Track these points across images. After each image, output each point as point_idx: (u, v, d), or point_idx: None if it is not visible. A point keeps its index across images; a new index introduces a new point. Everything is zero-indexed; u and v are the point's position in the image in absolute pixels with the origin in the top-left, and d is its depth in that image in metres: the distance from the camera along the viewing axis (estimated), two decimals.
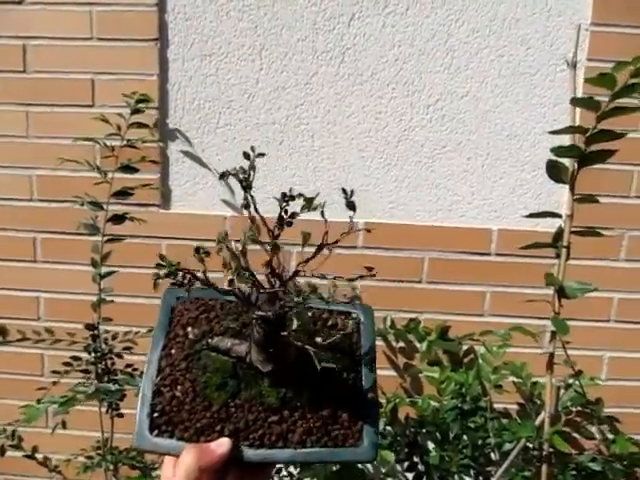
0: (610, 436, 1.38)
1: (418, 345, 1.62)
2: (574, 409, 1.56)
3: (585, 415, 1.50)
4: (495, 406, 1.51)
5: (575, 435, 1.69)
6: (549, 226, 1.59)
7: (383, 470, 1.63)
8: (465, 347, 1.59)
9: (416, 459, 1.52)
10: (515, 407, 1.64)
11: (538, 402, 1.54)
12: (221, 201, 1.59)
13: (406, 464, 1.52)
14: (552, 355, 1.15)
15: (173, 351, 0.64)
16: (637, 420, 1.65)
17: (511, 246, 1.59)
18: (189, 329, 0.66)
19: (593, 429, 1.67)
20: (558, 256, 1.11)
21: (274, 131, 1.55)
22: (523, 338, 1.63)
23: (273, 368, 0.60)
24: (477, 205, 1.59)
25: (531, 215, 1.10)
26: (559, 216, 1.09)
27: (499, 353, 1.54)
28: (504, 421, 1.44)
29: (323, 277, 0.61)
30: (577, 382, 1.14)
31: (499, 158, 1.57)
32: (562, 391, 1.16)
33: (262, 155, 0.62)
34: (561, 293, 1.09)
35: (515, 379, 1.60)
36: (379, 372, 1.61)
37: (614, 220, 1.59)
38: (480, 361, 1.57)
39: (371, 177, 1.57)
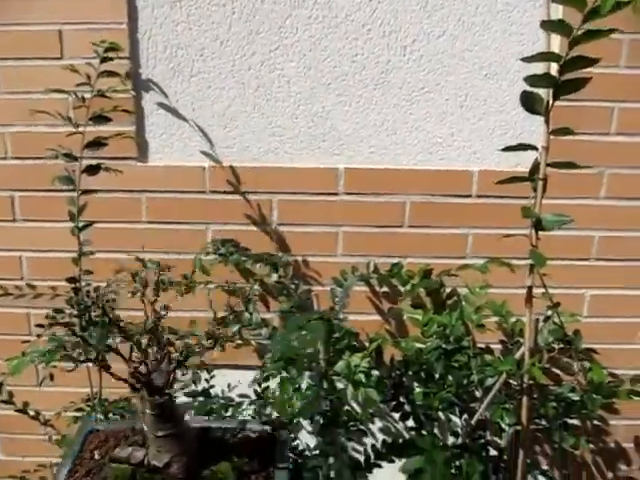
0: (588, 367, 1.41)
1: (402, 289, 1.63)
2: (555, 346, 1.59)
3: (564, 351, 1.52)
4: (478, 345, 1.53)
5: (555, 370, 1.73)
6: (529, 166, 1.60)
7: (370, 411, 1.67)
8: (448, 289, 1.60)
9: (402, 399, 1.55)
10: (498, 346, 1.67)
11: (519, 339, 1.56)
12: (200, 151, 1.57)
13: (392, 404, 1.55)
14: (530, 289, 1.16)
15: (78, 472, 0.71)
16: (617, 355, 1.69)
17: (492, 187, 1.59)
18: (96, 451, 0.75)
19: (572, 364, 1.71)
20: (535, 189, 1.11)
21: (249, 77, 1.52)
22: (504, 278, 1.64)
23: (170, 460, 0.63)
24: (457, 147, 1.58)
25: (507, 148, 1.09)
26: (535, 148, 1.09)
27: (481, 293, 1.56)
28: (487, 357, 1.46)
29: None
30: (555, 315, 1.15)
31: (478, 98, 1.55)
32: (541, 324, 1.18)
33: None
34: (538, 226, 1.10)
35: (496, 318, 1.63)
36: (363, 317, 1.62)
37: (594, 158, 1.59)
38: (463, 302, 1.59)
39: (350, 122, 1.55)
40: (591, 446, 1.84)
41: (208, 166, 1.57)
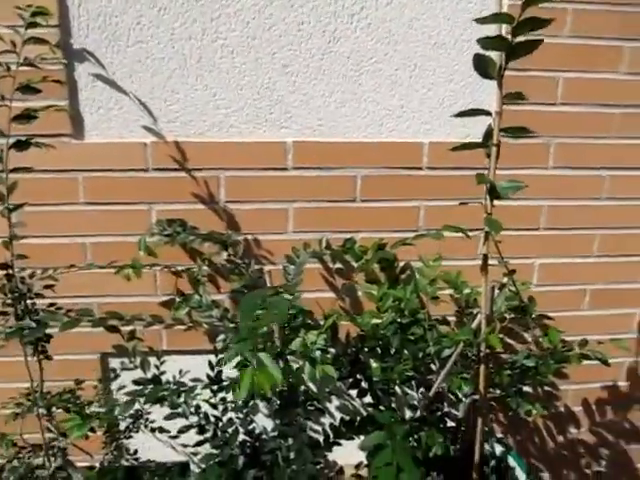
0: (541, 335, 1.43)
1: (355, 265, 1.61)
2: (508, 316, 1.61)
3: (518, 320, 1.54)
4: (433, 317, 1.53)
5: (509, 340, 1.75)
6: (480, 137, 1.60)
7: (327, 389, 1.64)
8: (401, 264, 1.59)
9: (359, 376, 1.53)
10: (453, 319, 1.67)
11: (472, 311, 1.57)
12: (140, 127, 1.49)
13: (349, 381, 1.52)
14: (486, 257, 1.15)
15: None
16: (565, 322, 1.72)
17: (443, 159, 1.58)
18: None
19: (526, 334, 1.74)
20: (488, 156, 1.10)
21: (191, 47, 1.44)
22: (457, 250, 1.65)
23: None
24: (407, 118, 1.55)
25: (460, 114, 1.07)
26: (488, 113, 1.07)
27: (434, 266, 1.55)
28: (442, 328, 1.46)
29: None
30: (511, 282, 1.15)
31: (427, 69, 1.53)
32: (497, 292, 1.17)
33: None
34: (492, 193, 1.08)
35: (451, 290, 1.63)
36: (317, 294, 1.59)
37: (541, 127, 1.60)
38: (417, 275, 1.58)
39: (297, 93, 1.50)
40: (544, 409, 1.88)
41: (150, 142, 1.48)
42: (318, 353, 1.22)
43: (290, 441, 1.21)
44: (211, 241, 1.37)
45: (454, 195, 1.59)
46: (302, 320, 1.36)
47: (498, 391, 1.55)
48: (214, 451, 1.32)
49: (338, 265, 1.63)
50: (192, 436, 1.39)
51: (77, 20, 1.41)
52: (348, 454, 1.63)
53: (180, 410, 1.32)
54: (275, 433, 1.29)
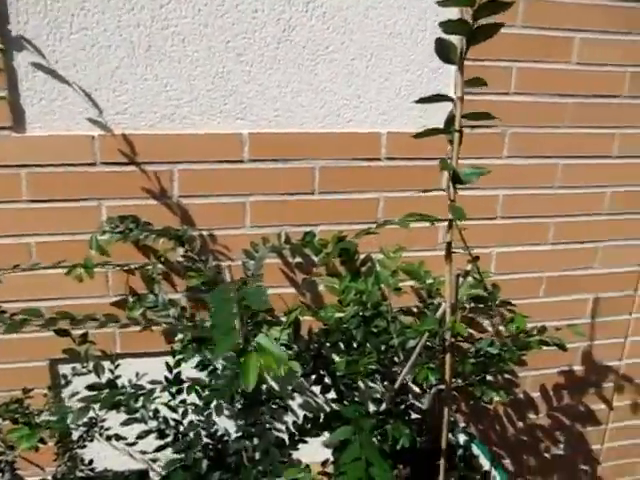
0: (505, 321, 1.44)
1: (315, 259, 1.58)
2: (468, 305, 1.61)
3: (479, 309, 1.55)
4: (396, 309, 1.51)
5: (471, 330, 1.76)
6: (438, 124, 1.59)
7: (290, 388, 1.61)
8: (362, 256, 1.57)
9: (322, 372, 1.50)
10: (416, 310, 1.66)
11: (433, 301, 1.57)
12: (87, 119, 1.41)
13: (312, 378, 1.49)
14: (450, 244, 1.14)
15: None
16: (524, 309, 1.73)
17: (401, 150, 1.57)
18: None
19: (486, 322, 1.75)
20: (451, 142, 1.08)
21: (139, 35, 1.37)
22: (417, 241, 1.64)
23: None
24: (365, 109, 1.53)
25: (421, 100, 1.05)
26: (450, 99, 1.06)
27: (396, 257, 1.54)
28: (406, 319, 1.45)
29: None
30: (475, 269, 1.14)
31: (383, 58, 1.51)
32: (461, 280, 1.17)
33: None
34: (455, 179, 1.07)
35: (412, 282, 1.62)
36: (277, 290, 1.55)
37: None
38: (378, 267, 1.56)
39: (252, 83, 1.46)
40: (507, 395, 1.90)
41: (97, 135, 1.41)
42: (283, 349, 1.19)
43: (255, 441, 1.16)
44: (166, 237, 1.31)
45: (413, 186, 1.59)
46: (263, 316, 1.32)
47: (460, 381, 1.55)
48: (176, 456, 1.26)
49: (298, 259, 1.60)
50: (151, 442, 1.33)
51: (15, 5, 1.32)
52: (313, 452, 1.60)
53: (138, 415, 1.25)
54: (239, 434, 1.25)
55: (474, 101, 1.57)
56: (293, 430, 1.47)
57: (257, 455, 1.17)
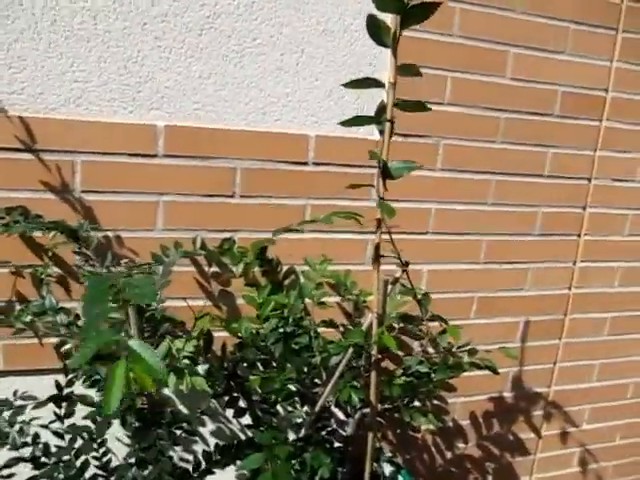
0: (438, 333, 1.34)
1: (234, 269, 1.44)
2: (397, 325, 1.51)
3: (408, 327, 1.45)
4: (321, 321, 1.39)
5: (401, 353, 1.66)
6: (369, 133, 1.51)
7: (199, 410, 1.44)
8: (285, 268, 1.45)
9: (236, 394, 1.35)
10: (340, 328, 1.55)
11: (362, 320, 1.46)
12: None
13: (225, 399, 1.34)
14: (378, 246, 1.04)
15: None
16: None
17: (330, 155, 1.48)
18: None
19: (416, 343, 1.66)
20: (381, 132, 0.99)
21: (43, 7, 1.22)
22: (345, 253, 1.54)
23: None
24: (293, 108, 1.43)
25: (350, 84, 0.95)
26: (381, 85, 0.97)
27: (321, 269, 1.43)
28: (329, 333, 1.32)
29: None
30: (405, 275, 1.04)
31: (315, 56, 1.42)
32: (390, 287, 1.06)
33: None
34: (385, 173, 0.98)
35: (339, 299, 1.51)
36: (190, 302, 1.39)
37: (430, 127, 1.56)
38: (302, 279, 1.44)
39: (170, 71, 1.33)
40: (431, 427, 1.80)
41: None
42: (187, 362, 1.04)
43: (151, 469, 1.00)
44: (57, 230, 1.14)
45: (342, 194, 1.49)
46: (167, 328, 1.17)
47: (387, 405, 1.44)
48: None
49: (215, 269, 1.45)
50: (24, 471, 1.13)
51: None
52: None
53: (9, 440, 1.06)
54: (132, 460, 1.07)
55: None
56: (201, 459, 1.31)
57: None
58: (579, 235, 1.83)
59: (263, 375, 1.16)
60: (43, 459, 1.05)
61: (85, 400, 1.06)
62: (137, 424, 1.05)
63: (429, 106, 0.96)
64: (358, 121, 0.98)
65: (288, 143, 1.43)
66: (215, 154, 1.38)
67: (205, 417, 1.54)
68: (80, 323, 1.18)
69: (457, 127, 1.58)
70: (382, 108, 0.99)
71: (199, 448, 1.52)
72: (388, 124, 0.97)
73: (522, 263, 1.77)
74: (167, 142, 1.34)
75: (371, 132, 1.49)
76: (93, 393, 1.17)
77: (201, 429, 1.54)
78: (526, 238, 1.75)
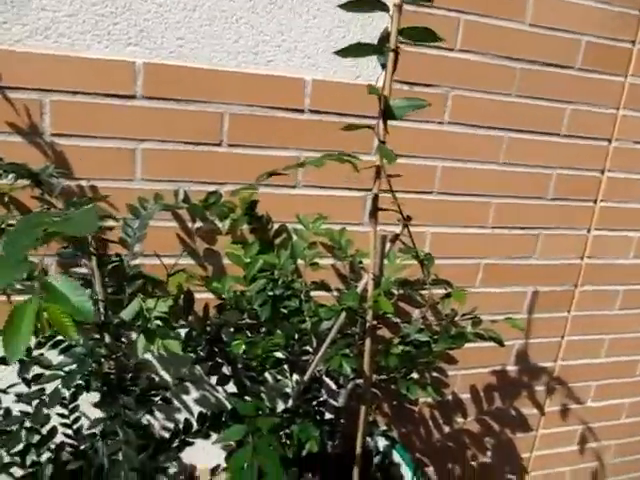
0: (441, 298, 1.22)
1: (220, 225, 1.32)
2: (397, 291, 1.39)
3: (411, 295, 1.34)
4: (312, 282, 1.28)
5: (399, 320, 1.55)
6: (370, 77, 1.38)
7: (178, 378, 1.33)
8: (276, 226, 1.33)
9: (220, 359, 1.24)
10: (335, 293, 1.43)
11: (357, 284, 1.34)
12: None
13: (208, 365, 1.23)
14: (376, 198, 0.91)
15: None
16: None
17: (328, 102, 1.34)
18: None
19: (417, 312, 1.55)
20: (384, 66, 0.86)
21: None
22: (342, 212, 1.41)
23: None
24: (288, 48, 1.29)
25: (347, 5, 0.82)
26: (385, 8, 0.83)
27: (315, 227, 1.31)
28: (321, 295, 1.21)
29: None
30: (406, 231, 0.92)
31: None
32: (388, 246, 0.95)
33: None
34: (387, 113, 0.85)
35: (333, 260, 1.39)
36: (172, 260, 1.27)
37: (439, 76, 1.42)
38: (294, 237, 1.32)
39: (151, 2, 1.18)
40: (429, 400, 1.71)
41: None
42: (158, 323, 0.93)
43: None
44: (14, 173, 1.01)
45: (340, 146, 1.36)
46: (142, 284, 1.05)
47: (383, 376, 1.34)
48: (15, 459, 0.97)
49: (199, 224, 1.33)
50: None
51: None
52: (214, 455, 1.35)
53: None
54: (93, 431, 0.97)
55: (414, 54, 1.37)
56: (180, 428, 1.21)
57: (121, 456, 0.90)
58: (595, 201, 1.70)
59: (246, 340, 1.05)
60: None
61: (41, 362, 0.96)
62: (103, 389, 0.95)
63: (438, 43, 0.83)
64: (357, 50, 0.84)
65: (282, 87, 1.30)
66: (200, 97, 1.25)
67: (189, 384, 1.44)
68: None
69: (468, 77, 1.44)
70: (385, 36, 0.85)
71: (183, 416, 1.43)
72: (392, 54, 0.84)
73: (533, 229, 1.64)
74: (147, 82, 1.21)
75: (374, 78, 1.35)
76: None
77: (184, 397, 1.44)
78: (538, 202, 1.62)
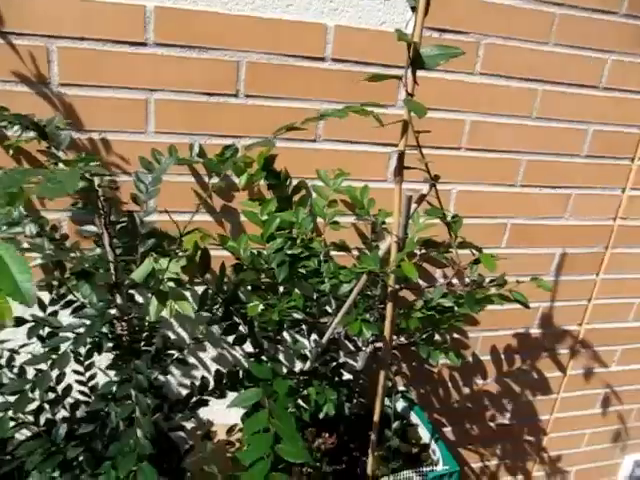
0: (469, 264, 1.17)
1: (237, 181, 1.27)
2: (419, 252, 1.34)
3: (435, 257, 1.27)
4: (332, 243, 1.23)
5: (422, 282, 1.50)
6: (396, 23, 1.28)
7: (194, 337, 1.31)
8: (295, 182, 1.27)
9: (237, 319, 1.21)
10: (355, 253, 1.38)
11: (380, 243, 1.29)
12: None
13: (224, 325, 1.20)
14: (402, 155, 0.85)
15: None
16: None
17: (351, 51, 1.26)
18: None
19: (440, 273, 1.50)
20: (414, 9, 0.78)
21: None
22: (365, 169, 1.35)
23: None
24: None
25: None
26: None
27: (336, 184, 1.25)
28: (342, 257, 1.16)
29: None
30: (433, 191, 0.86)
31: None
32: (413, 206, 0.89)
33: None
34: (416, 62, 0.77)
35: (354, 219, 1.34)
36: (186, 217, 1.23)
37: (470, 23, 1.32)
38: (314, 195, 1.27)
39: None
40: (447, 361, 1.67)
41: None
42: (171, 284, 0.89)
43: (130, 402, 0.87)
44: (20, 124, 0.96)
45: (364, 98, 1.28)
46: (155, 243, 1.01)
47: (403, 339, 1.30)
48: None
49: (215, 179, 1.28)
50: None
51: None
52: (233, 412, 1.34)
53: None
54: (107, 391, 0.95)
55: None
56: (196, 388, 1.19)
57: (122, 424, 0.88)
58: (632, 159, 1.61)
59: (263, 302, 1.01)
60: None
61: (51, 324, 0.93)
62: (116, 352, 0.92)
63: None
64: None
65: (302, 34, 1.21)
66: (215, 45, 1.17)
67: (207, 343, 1.42)
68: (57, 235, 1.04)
69: (502, 23, 1.34)
70: None
71: (200, 374, 1.41)
72: None
73: (565, 188, 1.56)
74: (159, 28, 1.13)
75: (400, 25, 1.26)
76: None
77: (202, 354, 1.43)
78: (572, 160, 1.54)
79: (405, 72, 0.79)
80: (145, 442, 0.79)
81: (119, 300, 0.92)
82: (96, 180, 0.90)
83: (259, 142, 0.92)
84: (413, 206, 0.89)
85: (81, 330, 0.83)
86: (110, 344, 0.92)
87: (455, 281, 1.52)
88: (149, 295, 1.19)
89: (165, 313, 0.87)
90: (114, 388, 0.88)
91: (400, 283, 0.98)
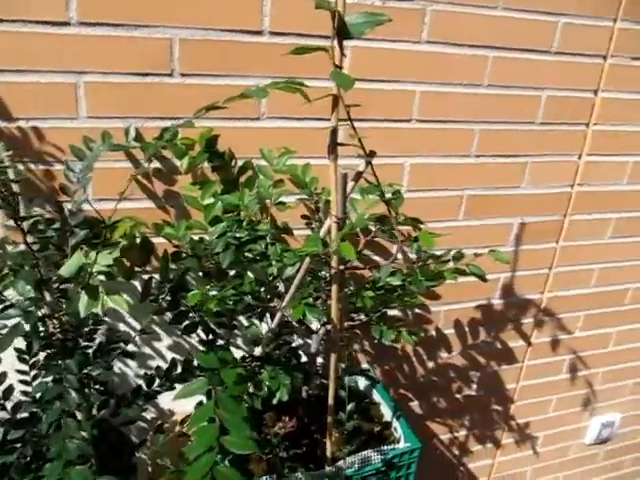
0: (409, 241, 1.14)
1: (178, 164, 1.22)
2: (374, 228, 1.31)
3: (385, 232, 1.25)
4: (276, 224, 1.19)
5: (379, 258, 1.48)
6: None
7: (147, 326, 1.27)
8: (240, 162, 1.22)
9: (185, 308, 1.18)
10: (306, 232, 1.35)
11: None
12: None
13: (174, 314, 1.16)
14: (335, 132, 0.81)
15: None
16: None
17: (290, 23, 1.21)
18: None
19: (394, 247, 1.47)
20: None
21: None
22: (309, 146, 1.30)
23: None
24: None
25: None
26: None
27: (280, 163, 1.21)
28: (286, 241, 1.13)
29: None
30: (369, 167, 0.82)
31: None
32: (351, 184, 0.85)
33: None
34: (342, 31, 0.73)
35: (297, 196, 1.30)
36: (127, 204, 1.18)
37: None
38: (260, 176, 1.22)
39: None
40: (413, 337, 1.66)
41: None
42: (101, 278, 0.84)
43: (58, 405, 0.83)
44: None
45: (307, 73, 1.23)
46: (88, 233, 0.97)
47: (363, 316, 1.28)
48: None
49: (156, 164, 1.23)
50: None
51: None
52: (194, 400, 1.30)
53: None
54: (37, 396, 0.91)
55: None
56: (145, 381, 1.16)
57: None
58: (587, 124, 1.59)
59: (202, 290, 0.97)
60: None
61: None
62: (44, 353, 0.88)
63: None
64: None
65: (237, 6, 1.15)
66: (145, 21, 1.11)
67: (161, 332, 1.39)
68: None
69: None
70: None
71: (156, 364, 1.38)
72: None
73: (520, 157, 1.54)
74: (82, 4, 1.07)
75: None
76: None
77: (157, 344, 1.39)
78: (526, 127, 1.51)
79: (332, 42, 0.75)
80: (72, 447, 0.76)
81: (48, 297, 0.87)
82: None
83: (179, 124, 0.87)
84: (350, 184, 0.85)
85: (3, 332, 0.78)
86: (37, 344, 0.88)
87: (413, 256, 1.50)
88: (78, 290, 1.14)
89: (97, 309, 0.82)
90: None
91: (345, 263, 0.95)
